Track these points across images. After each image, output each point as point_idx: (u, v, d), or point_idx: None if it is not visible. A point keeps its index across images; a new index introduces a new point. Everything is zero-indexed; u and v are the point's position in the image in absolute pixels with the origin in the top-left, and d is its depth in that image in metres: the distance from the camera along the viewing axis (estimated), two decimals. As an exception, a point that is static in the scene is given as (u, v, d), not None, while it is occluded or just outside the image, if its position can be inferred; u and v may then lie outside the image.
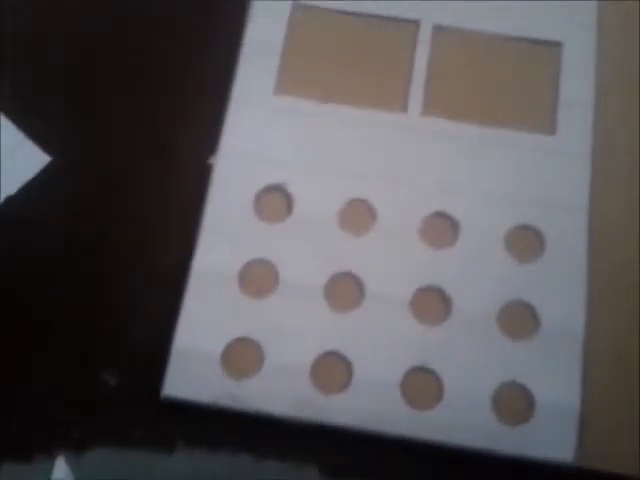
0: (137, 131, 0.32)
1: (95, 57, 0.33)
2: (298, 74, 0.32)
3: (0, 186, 0.30)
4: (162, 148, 0.32)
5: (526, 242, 0.30)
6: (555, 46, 0.33)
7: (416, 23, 0.33)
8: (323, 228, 0.30)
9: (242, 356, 0.28)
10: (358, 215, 0.30)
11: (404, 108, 0.32)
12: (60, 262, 0.30)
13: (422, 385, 0.28)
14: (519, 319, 0.29)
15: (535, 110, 0.32)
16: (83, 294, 0.29)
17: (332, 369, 0.28)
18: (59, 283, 0.30)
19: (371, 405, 0.27)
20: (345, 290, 0.29)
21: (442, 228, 0.30)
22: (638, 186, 0.30)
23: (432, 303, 0.29)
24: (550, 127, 0.31)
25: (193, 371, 0.28)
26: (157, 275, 0.30)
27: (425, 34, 0.32)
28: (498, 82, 0.32)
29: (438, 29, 0.33)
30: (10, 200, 0.30)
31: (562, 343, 0.28)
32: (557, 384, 0.28)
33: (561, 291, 0.29)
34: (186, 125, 0.32)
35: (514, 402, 0.28)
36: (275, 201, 0.31)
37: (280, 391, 0.27)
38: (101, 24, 0.34)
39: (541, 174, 0.31)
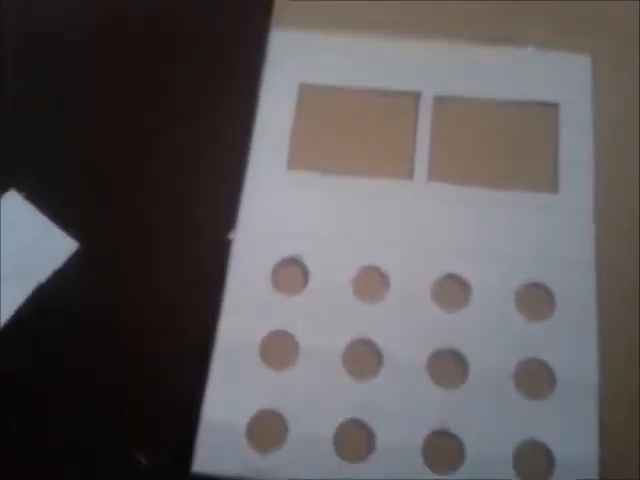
0: (160, 212, 0.33)
1: (114, 146, 0.34)
2: (309, 150, 0.33)
3: (31, 274, 0.31)
4: (184, 225, 0.33)
5: (536, 299, 0.30)
6: (552, 107, 0.33)
7: (417, 95, 0.34)
8: (339, 297, 0.31)
9: (266, 428, 0.28)
10: (372, 282, 0.31)
11: (410, 175, 0.32)
12: (91, 342, 0.31)
13: (443, 449, 0.28)
14: (534, 376, 0.29)
15: (537, 170, 0.32)
16: (113, 373, 0.30)
17: (355, 437, 0.28)
18: (90, 364, 0.31)
19: (396, 471, 0.28)
20: (363, 357, 0.30)
21: (454, 290, 0.31)
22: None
23: (449, 366, 0.29)
24: (553, 186, 0.32)
25: (221, 446, 0.28)
26: (183, 351, 0.30)
27: (426, 104, 0.33)
28: (499, 145, 0.33)
29: (438, 99, 0.33)
30: (41, 287, 0.31)
31: (578, 398, 0.29)
32: (575, 439, 0.28)
33: (573, 346, 0.29)
34: (206, 203, 0.33)
35: (534, 460, 0.28)
36: (292, 273, 0.31)
37: (305, 462, 0.28)
38: (119, 119, 0.36)
39: (547, 232, 0.31)
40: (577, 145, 0.32)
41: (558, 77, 0.34)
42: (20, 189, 0.33)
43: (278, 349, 0.30)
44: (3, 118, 0.35)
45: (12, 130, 0.35)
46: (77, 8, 0.37)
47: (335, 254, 0.31)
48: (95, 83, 0.36)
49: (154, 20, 0.37)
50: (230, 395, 0.29)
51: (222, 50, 0.35)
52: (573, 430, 0.28)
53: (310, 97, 0.34)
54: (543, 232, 0.31)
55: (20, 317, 0.31)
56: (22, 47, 0.37)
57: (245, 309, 0.31)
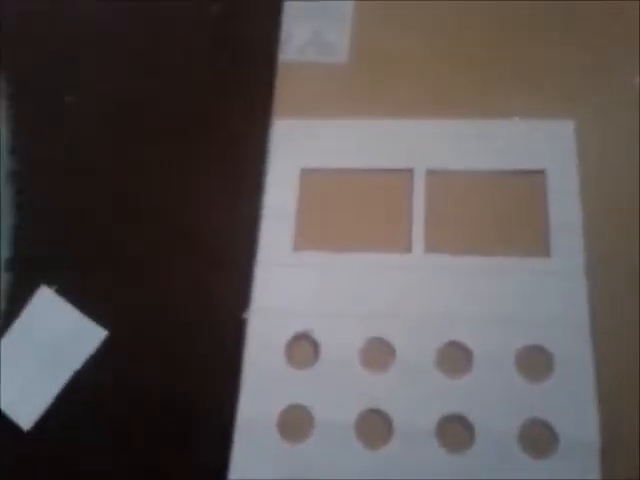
0: (179, 297, 0.35)
1: (133, 235, 0.37)
2: (312, 230, 0.35)
3: (65, 363, 0.34)
4: (203, 307, 0.35)
5: (536, 361, 0.31)
6: (539, 174, 0.35)
7: (410, 171, 0.35)
8: (348, 368, 0.32)
9: (287, 502, 0.30)
10: (378, 353, 0.32)
11: (409, 248, 0.34)
12: (121, 426, 0.33)
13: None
14: (537, 436, 0.30)
15: (529, 235, 0.34)
16: (141, 453, 0.32)
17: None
18: (115, 444, 0.33)
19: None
20: (374, 426, 0.31)
21: (456, 357, 0.32)
22: (637, 297, 0.32)
23: (456, 431, 0.31)
24: (544, 250, 0.33)
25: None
26: (207, 429, 0.32)
27: (419, 179, 0.35)
28: (491, 214, 0.34)
29: (430, 173, 0.35)
30: (76, 375, 0.34)
31: (580, 454, 0.29)
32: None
33: (573, 405, 0.30)
34: (222, 285, 0.35)
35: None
36: (303, 348, 0.33)
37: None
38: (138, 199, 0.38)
39: (542, 295, 0.32)
40: (565, 209, 0.34)
41: (543, 144, 0.35)
42: (50, 284, 0.36)
43: (295, 422, 0.32)
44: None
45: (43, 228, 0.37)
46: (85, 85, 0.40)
47: (342, 327, 0.33)
48: (110, 163, 0.38)
49: (159, 108, 0.39)
50: (253, 469, 0.31)
51: (228, 142, 0.37)
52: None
53: (311, 180, 0.36)
54: (538, 296, 0.32)
55: (58, 406, 0.33)
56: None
57: (262, 384, 0.32)
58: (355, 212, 0.35)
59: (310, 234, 0.35)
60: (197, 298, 0.35)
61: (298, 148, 0.36)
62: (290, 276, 0.34)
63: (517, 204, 0.34)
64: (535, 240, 0.33)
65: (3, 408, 0.34)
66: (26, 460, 0.33)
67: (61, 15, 0.42)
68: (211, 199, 0.37)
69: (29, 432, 0.33)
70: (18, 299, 0.35)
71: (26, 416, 0.33)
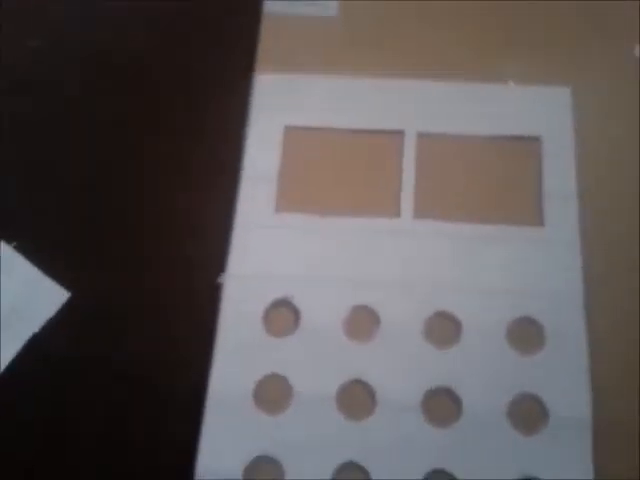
0: (150, 258, 0.33)
1: (103, 193, 0.34)
2: (296, 192, 0.33)
3: (24, 324, 0.31)
4: (175, 271, 0.32)
5: (527, 334, 0.30)
6: (534, 141, 0.33)
7: (400, 133, 0.34)
8: (330, 337, 0.30)
9: (262, 476, 0.28)
10: (362, 322, 0.31)
11: (397, 213, 0.32)
12: (81, 389, 0.30)
13: (439, 487, 0.27)
14: (527, 411, 0.29)
15: (522, 204, 0.32)
16: (103, 423, 0.30)
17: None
18: (80, 412, 0.30)
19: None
20: (357, 398, 0.29)
21: (445, 327, 0.30)
22: (633, 268, 0.30)
23: (442, 404, 0.29)
24: (538, 219, 0.32)
25: (217, 496, 0.28)
26: (176, 400, 0.30)
27: (410, 142, 0.33)
28: (484, 180, 0.33)
29: (422, 136, 0.33)
30: (34, 337, 0.31)
31: (572, 431, 0.28)
32: (570, 474, 0.27)
33: (565, 380, 0.29)
34: (196, 247, 0.33)
35: (531, 499, 0.27)
36: (283, 315, 0.31)
37: (302, 509, 0.27)
38: (110, 166, 0.35)
39: (534, 266, 0.31)
40: (560, 177, 0.32)
41: (539, 110, 0.34)
42: (9, 240, 0.33)
43: (272, 393, 0.29)
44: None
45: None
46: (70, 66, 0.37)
47: (325, 295, 0.31)
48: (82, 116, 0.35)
49: (140, 59, 0.36)
50: (225, 442, 0.29)
51: (207, 95, 0.35)
52: (568, 463, 0.28)
53: (295, 139, 0.34)
54: (531, 266, 0.31)
55: (15, 366, 0.31)
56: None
57: (237, 354, 0.30)
58: (341, 174, 0.33)
59: (293, 196, 0.33)
60: (169, 262, 0.32)
61: (282, 104, 0.34)
62: (270, 239, 0.32)
63: (511, 171, 0.33)
64: (529, 208, 0.32)
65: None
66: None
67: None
68: (188, 157, 0.34)
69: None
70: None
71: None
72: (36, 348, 0.31)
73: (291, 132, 0.34)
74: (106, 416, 0.30)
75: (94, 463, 0.29)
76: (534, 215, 0.32)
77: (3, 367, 0.31)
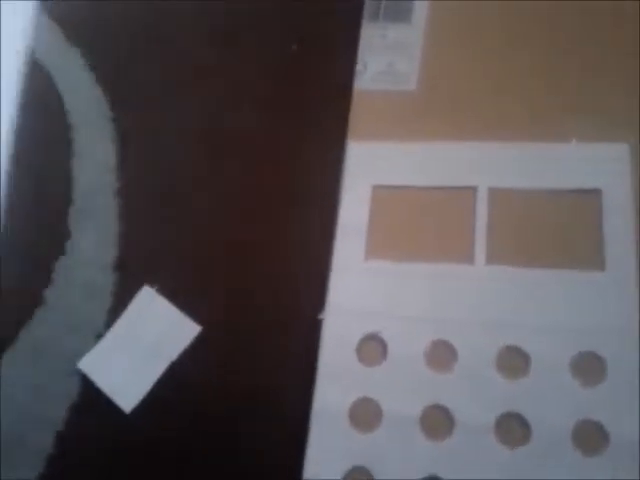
0: (264, 299, 0.38)
1: (227, 245, 0.40)
2: (382, 242, 0.38)
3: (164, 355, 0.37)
4: (285, 309, 0.38)
5: (589, 366, 0.33)
6: (595, 193, 0.36)
7: (474, 188, 0.38)
8: (413, 367, 0.35)
9: (358, 484, 0.33)
10: (442, 354, 0.35)
11: (471, 260, 0.36)
12: (206, 412, 0.36)
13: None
14: (590, 436, 0.32)
15: (585, 251, 0.35)
16: (227, 439, 0.35)
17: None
18: (204, 428, 0.36)
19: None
20: (437, 420, 0.33)
21: (515, 361, 0.34)
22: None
23: (513, 428, 0.32)
24: (600, 264, 0.35)
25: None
26: (284, 419, 0.35)
27: (482, 196, 0.37)
28: (549, 230, 0.36)
29: (493, 191, 0.37)
30: (173, 365, 0.37)
31: (629, 455, 0.31)
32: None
33: (624, 408, 0.32)
34: (302, 289, 0.38)
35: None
36: (373, 347, 0.36)
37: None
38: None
39: (596, 306, 0.34)
40: (620, 226, 0.35)
41: (599, 165, 0.37)
42: (152, 284, 0.39)
43: (364, 414, 0.34)
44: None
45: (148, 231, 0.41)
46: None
47: (409, 330, 0.35)
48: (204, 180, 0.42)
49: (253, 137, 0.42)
50: (326, 454, 0.34)
51: (308, 162, 0.40)
52: (629, 485, 0.30)
53: (382, 197, 0.39)
54: (593, 306, 0.34)
55: (155, 391, 0.37)
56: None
57: (335, 379, 0.35)
58: (421, 225, 0.38)
59: (380, 245, 0.38)
60: (279, 301, 0.38)
61: (370, 168, 0.39)
62: (361, 282, 0.37)
63: (574, 221, 0.36)
64: (591, 255, 0.35)
65: (108, 393, 0.38)
66: (125, 440, 0.37)
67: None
68: (292, 213, 0.40)
69: (130, 415, 0.37)
70: (123, 298, 0.40)
71: (128, 400, 0.37)
72: (173, 374, 0.37)
73: (378, 191, 0.39)
74: (224, 433, 0.36)
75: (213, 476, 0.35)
76: (596, 261, 0.35)
77: (147, 389, 0.37)
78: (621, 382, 0.32)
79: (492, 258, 0.36)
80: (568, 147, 0.37)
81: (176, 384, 0.37)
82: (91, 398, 0.38)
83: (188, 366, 0.37)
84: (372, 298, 0.37)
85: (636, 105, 0.37)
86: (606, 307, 0.34)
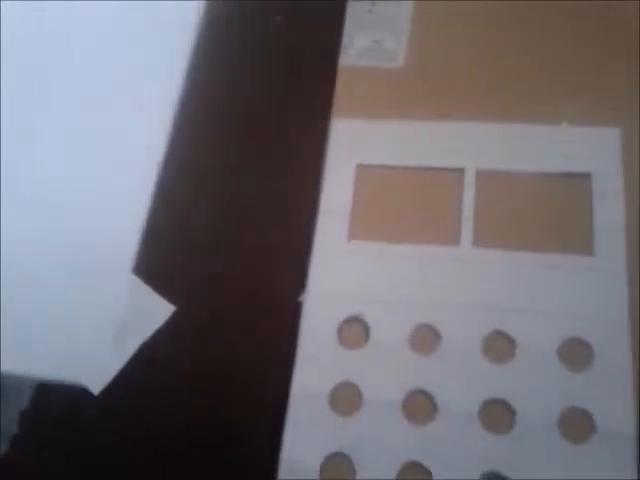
0: (242, 281, 0.37)
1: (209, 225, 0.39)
2: (366, 222, 0.36)
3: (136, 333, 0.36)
4: (263, 291, 0.36)
5: (576, 353, 0.32)
6: (585, 177, 0.35)
7: (461, 170, 0.36)
8: (396, 351, 0.33)
9: (336, 471, 0.31)
10: (425, 338, 0.33)
11: (457, 242, 0.35)
12: (183, 391, 0.35)
13: (493, 490, 0.30)
14: (576, 423, 0.31)
15: (573, 234, 0.34)
16: (200, 420, 0.34)
17: (414, 474, 0.31)
18: (178, 412, 0.34)
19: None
20: (419, 405, 0.32)
21: (501, 345, 0.33)
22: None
23: (498, 414, 0.31)
24: (588, 248, 0.34)
25: (298, 481, 0.31)
26: (263, 399, 0.34)
27: (470, 178, 0.36)
28: (537, 213, 0.35)
29: (480, 173, 0.36)
30: (144, 346, 0.36)
31: (616, 443, 0.30)
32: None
33: (611, 395, 0.31)
34: (281, 271, 0.37)
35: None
36: (355, 330, 0.34)
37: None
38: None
39: (584, 291, 0.33)
40: (609, 211, 0.34)
41: (590, 149, 0.36)
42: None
43: (344, 398, 0.33)
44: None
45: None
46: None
47: (392, 313, 0.34)
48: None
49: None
50: (305, 439, 0.32)
51: (291, 138, 0.39)
52: (614, 473, 0.30)
53: (366, 176, 0.37)
54: (581, 291, 0.33)
55: (126, 369, 0.35)
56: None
57: (315, 363, 0.34)
58: (407, 207, 0.36)
59: (364, 226, 0.36)
60: (257, 283, 0.37)
61: (355, 146, 0.38)
62: (344, 264, 0.36)
63: (563, 204, 0.35)
64: (579, 239, 0.34)
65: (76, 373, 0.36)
66: (94, 422, 0.35)
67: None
68: (272, 191, 0.39)
69: (99, 396, 0.35)
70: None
71: (96, 381, 0.35)
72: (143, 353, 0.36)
73: (362, 170, 0.37)
74: (197, 413, 0.34)
75: (183, 460, 0.33)
76: (584, 245, 0.34)
77: (118, 368, 0.35)
78: (608, 369, 0.31)
79: (479, 240, 0.35)
80: (558, 130, 0.37)
81: (148, 365, 0.35)
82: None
83: (161, 347, 0.36)
84: (354, 280, 0.35)
85: (628, 89, 0.37)
86: (594, 292, 0.33)
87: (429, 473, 0.30)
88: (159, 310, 0.36)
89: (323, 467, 0.31)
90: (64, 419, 0.35)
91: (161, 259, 0.38)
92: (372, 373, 0.33)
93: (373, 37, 0.40)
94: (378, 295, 0.35)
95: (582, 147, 0.36)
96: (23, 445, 0.35)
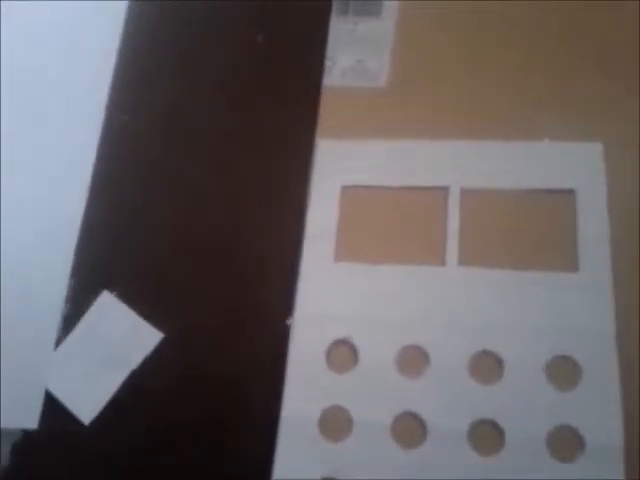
0: (230, 305, 0.37)
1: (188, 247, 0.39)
2: (352, 243, 0.36)
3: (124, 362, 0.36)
4: (251, 315, 0.36)
5: (564, 370, 0.32)
6: (569, 193, 0.35)
7: (445, 189, 0.36)
8: (385, 373, 0.33)
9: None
10: (413, 359, 0.34)
11: (443, 261, 0.35)
12: (172, 420, 0.35)
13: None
14: (565, 441, 0.31)
15: (558, 251, 0.34)
16: (193, 445, 0.34)
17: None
18: (173, 434, 0.34)
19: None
20: (409, 428, 0.32)
21: (488, 364, 0.33)
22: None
23: (487, 434, 0.31)
24: (573, 265, 0.34)
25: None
26: (251, 427, 0.34)
27: (454, 197, 0.36)
28: (522, 231, 0.35)
29: (465, 192, 0.36)
30: (134, 373, 0.36)
31: (605, 460, 0.30)
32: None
33: (599, 412, 0.31)
34: (268, 294, 0.36)
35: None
36: (343, 353, 0.34)
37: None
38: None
39: (570, 308, 0.33)
40: (594, 226, 0.34)
41: (573, 164, 0.36)
42: (112, 289, 0.38)
43: (334, 422, 0.33)
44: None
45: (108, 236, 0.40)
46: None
47: (380, 335, 0.34)
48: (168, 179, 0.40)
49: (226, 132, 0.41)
50: (295, 463, 0.32)
51: (275, 159, 0.39)
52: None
53: (351, 197, 0.37)
54: (567, 308, 0.33)
55: (116, 399, 0.35)
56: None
57: (304, 387, 0.34)
58: (392, 227, 0.36)
59: (350, 247, 0.36)
60: (245, 306, 0.37)
61: (340, 167, 0.38)
62: (331, 286, 0.36)
63: (548, 221, 0.35)
64: (564, 256, 0.34)
65: (65, 402, 0.36)
66: (85, 451, 0.35)
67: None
68: (257, 214, 0.39)
69: (89, 425, 0.35)
70: (81, 303, 0.38)
71: (87, 411, 0.35)
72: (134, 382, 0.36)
73: (347, 191, 0.37)
74: (190, 439, 0.34)
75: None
76: (569, 262, 0.34)
77: (107, 398, 0.35)
78: (596, 385, 0.31)
79: (464, 259, 0.35)
80: (541, 146, 0.37)
81: (138, 393, 0.36)
82: (50, 408, 0.36)
83: (150, 375, 0.36)
84: (342, 302, 0.35)
85: (610, 103, 0.37)
86: (580, 309, 0.33)
87: (419, 495, 0.31)
88: (148, 337, 0.36)
89: (314, 492, 0.31)
90: (57, 451, 0.35)
91: (145, 284, 0.38)
92: (361, 396, 0.33)
93: (356, 57, 0.41)
94: (366, 316, 0.35)
95: (565, 163, 0.36)
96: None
